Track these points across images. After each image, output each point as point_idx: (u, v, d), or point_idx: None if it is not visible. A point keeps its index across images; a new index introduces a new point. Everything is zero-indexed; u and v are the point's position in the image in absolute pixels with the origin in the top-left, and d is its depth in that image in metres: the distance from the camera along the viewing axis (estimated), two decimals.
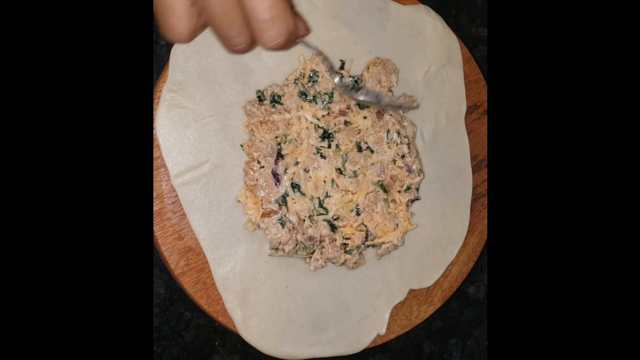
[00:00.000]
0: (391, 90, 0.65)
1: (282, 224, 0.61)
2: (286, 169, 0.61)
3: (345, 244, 0.62)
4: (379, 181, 0.63)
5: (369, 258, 0.64)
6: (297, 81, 0.62)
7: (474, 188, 0.67)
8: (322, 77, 0.62)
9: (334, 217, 0.62)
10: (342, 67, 0.64)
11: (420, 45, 0.66)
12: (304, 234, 0.61)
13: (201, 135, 0.61)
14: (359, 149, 0.62)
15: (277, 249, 0.61)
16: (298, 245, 0.62)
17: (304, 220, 0.61)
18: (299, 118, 0.61)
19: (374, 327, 0.63)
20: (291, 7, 0.48)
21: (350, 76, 0.63)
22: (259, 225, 0.61)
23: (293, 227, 0.61)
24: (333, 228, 0.62)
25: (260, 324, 0.61)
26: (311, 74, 0.62)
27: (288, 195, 0.61)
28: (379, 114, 0.63)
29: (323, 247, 0.62)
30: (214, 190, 0.61)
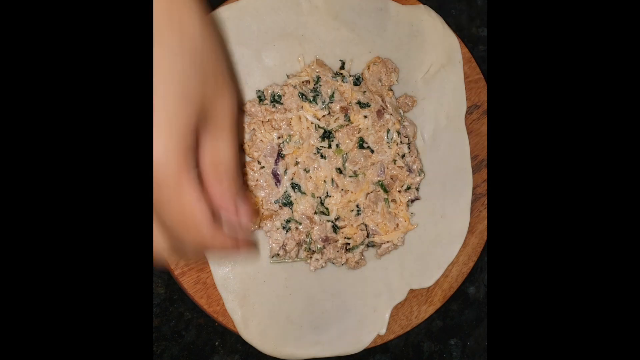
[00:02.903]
0: (392, 89, 0.65)
1: (287, 230, 0.60)
2: (286, 169, 0.61)
3: (347, 243, 0.62)
4: (379, 181, 0.63)
5: (369, 258, 0.64)
6: (299, 88, 0.62)
7: (474, 188, 0.67)
8: (325, 80, 0.62)
9: (335, 218, 0.62)
10: (342, 67, 0.64)
11: (420, 45, 0.66)
12: (310, 236, 0.61)
13: None
14: (361, 146, 0.62)
15: (278, 254, 0.61)
16: (300, 248, 0.62)
17: (314, 220, 0.61)
18: (299, 118, 0.61)
19: (374, 327, 0.63)
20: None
21: (350, 75, 0.63)
22: (259, 226, 0.61)
23: (296, 229, 0.61)
24: (334, 229, 0.62)
25: (261, 324, 0.61)
26: (315, 79, 0.62)
27: (290, 197, 0.61)
28: (379, 113, 0.63)
29: (324, 247, 0.62)
30: None
